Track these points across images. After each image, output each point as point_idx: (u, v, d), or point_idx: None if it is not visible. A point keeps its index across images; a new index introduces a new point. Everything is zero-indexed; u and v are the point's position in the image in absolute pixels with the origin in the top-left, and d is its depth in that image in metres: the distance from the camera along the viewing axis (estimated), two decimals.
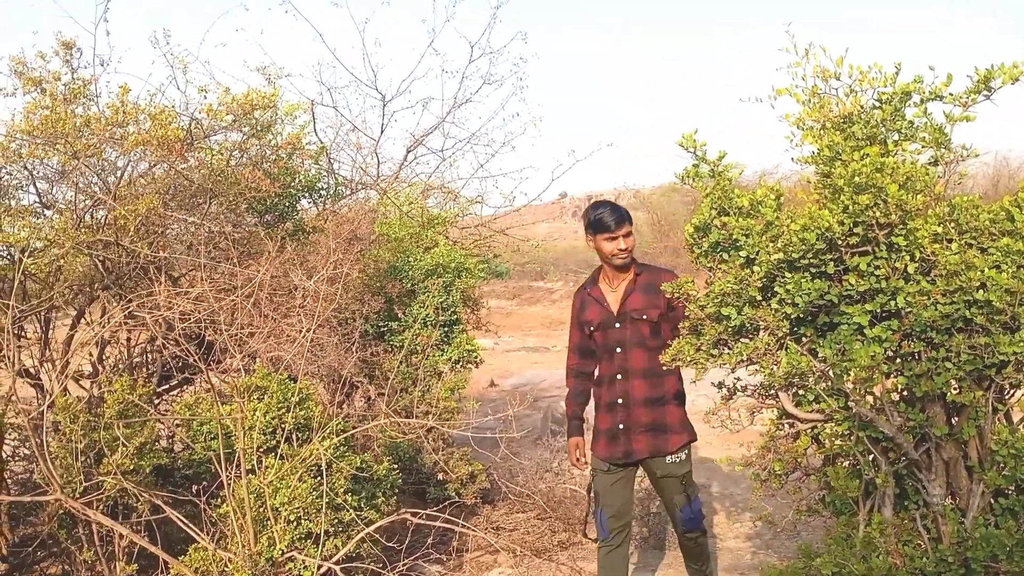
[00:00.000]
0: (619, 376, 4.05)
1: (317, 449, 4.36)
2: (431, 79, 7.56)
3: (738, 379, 3.66)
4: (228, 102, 6.44)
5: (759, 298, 3.18)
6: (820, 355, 3.13)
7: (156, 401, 5.50)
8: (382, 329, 6.74)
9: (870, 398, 3.03)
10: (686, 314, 3.48)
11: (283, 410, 4.55)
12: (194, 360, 4.43)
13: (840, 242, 2.98)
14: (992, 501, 3.08)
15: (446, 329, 6.78)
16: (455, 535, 5.87)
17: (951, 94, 3.12)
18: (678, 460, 4.08)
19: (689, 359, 3.45)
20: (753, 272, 3.17)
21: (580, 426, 4.32)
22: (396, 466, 4.99)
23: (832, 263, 3.05)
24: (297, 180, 7.44)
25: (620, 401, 4.05)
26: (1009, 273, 2.80)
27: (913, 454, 3.09)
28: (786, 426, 3.50)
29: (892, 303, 2.99)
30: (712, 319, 3.42)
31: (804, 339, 3.20)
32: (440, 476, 6.23)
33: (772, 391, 3.63)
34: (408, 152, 7.65)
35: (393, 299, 6.82)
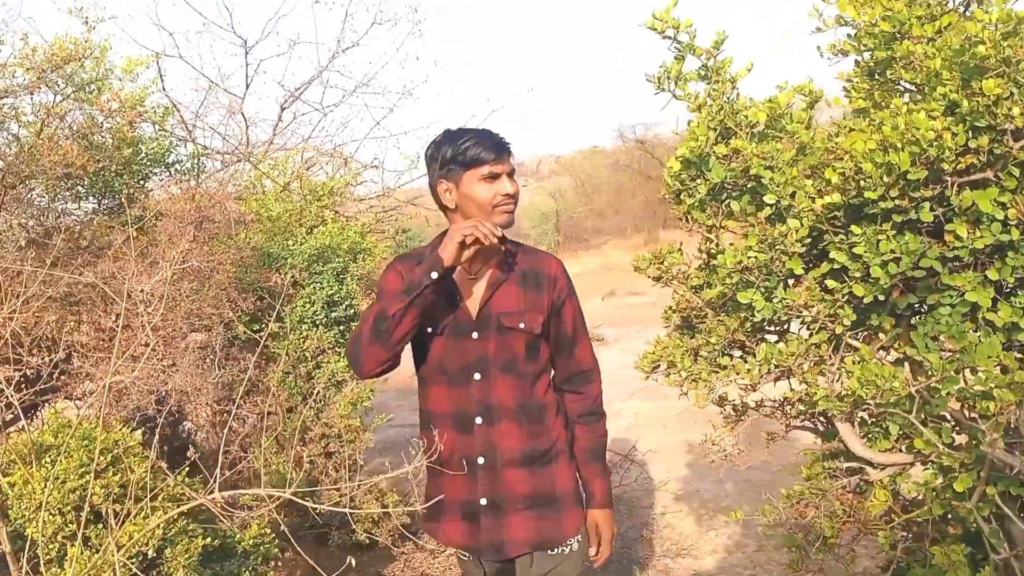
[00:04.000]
0: (479, 419, 2.36)
1: (137, 530, 2.96)
2: (303, 14, 6.07)
3: (746, 388, 2.38)
4: (28, 54, 4.90)
5: (799, 272, 1.89)
6: (908, 359, 1.87)
7: None
8: (259, 334, 5.30)
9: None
10: (680, 304, 2.18)
11: (88, 477, 3.12)
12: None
13: (948, 167, 1.70)
14: None
15: (341, 328, 5.37)
16: None
17: None
18: (570, 550, 2.43)
19: (684, 373, 2.16)
20: (789, 229, 1.88)
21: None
22: (270, 529, 3.61)
23: (928, 205, 1.78)
24: (143, 153, 5.90)
25: (481, 460, 2.37)
26: None
27: None
28: (840, 471, 2.24)
29: None
30: (717, 308, 2.13)
31: (879, 334, 1.93)
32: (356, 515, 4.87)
33: (815, 415, 2.37)
34: (283, 109, 6.15)
35: (272, 294, 5.38)
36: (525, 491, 2.38)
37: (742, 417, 2.45)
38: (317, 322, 5.28)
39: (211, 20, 5.94)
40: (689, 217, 2.13)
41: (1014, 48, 1.56)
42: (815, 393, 1.93)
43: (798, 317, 1.95)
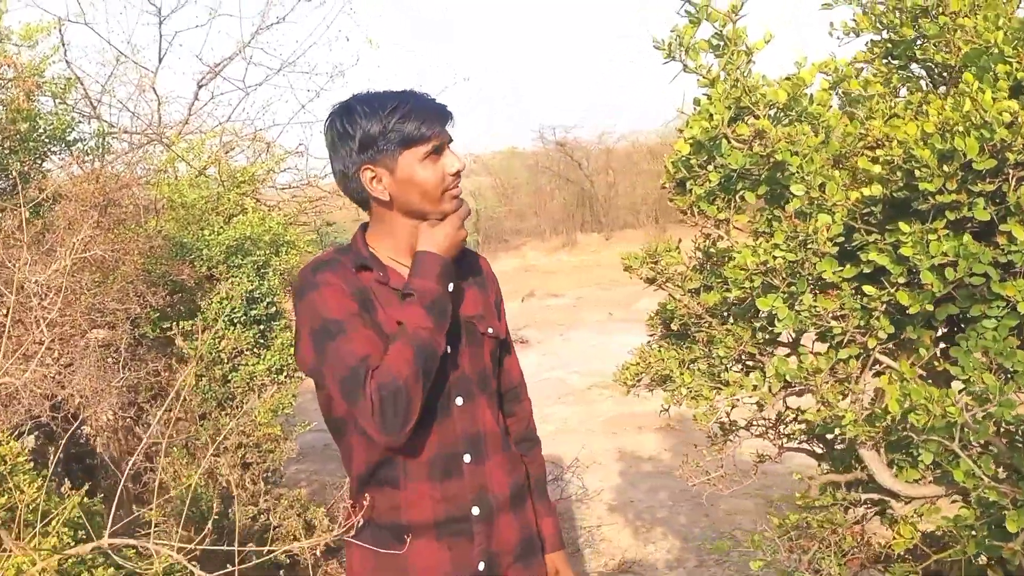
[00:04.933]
0: (467, 457, 1.84)
1: (28, 562, 2.53)
2: None
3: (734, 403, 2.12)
4: None
5: (829, 275, 1.63)
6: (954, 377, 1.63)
7: None
8: (169, 332, 4.81)
9: None
10: (678, 310, 1.90)
11: None
12: None
13: (1013, 157, 1.47)
14: None
15: (261, 327, 4.93)
16: None
17: None
18: None
19: (684, 390, 1.88)
20: (820, 225, 1.62)
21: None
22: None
23: (984, 201, 1.54)
24: (41, 129, 5.33)
25: (476, 511, 1.83)
26: None
27: None
28: (846, 501, 1.99)
29: None
30: (721, 315, 1.86)
31: (919, 350, 1.68)
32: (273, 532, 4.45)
33: (813, 438, 2.13)
34: (200, 87, 5.66)
35: (185, 289, 4.90)
36: (516, 539, 1.90)
37: (730, 437, 2.19)
38: (235, 320, 4.84)
39: None
40: (692, 211, 1.85)
41: None
42: (840, 416, 1.68)
43: (825, 328, 1.69)
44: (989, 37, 1.56)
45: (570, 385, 10.11)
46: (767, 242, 1.63)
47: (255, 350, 4.94)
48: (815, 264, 1.62)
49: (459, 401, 1.83)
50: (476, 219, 29.64)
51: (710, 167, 1.79)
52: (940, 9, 1.78)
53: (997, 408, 1.53)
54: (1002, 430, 1.70)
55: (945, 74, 1.87)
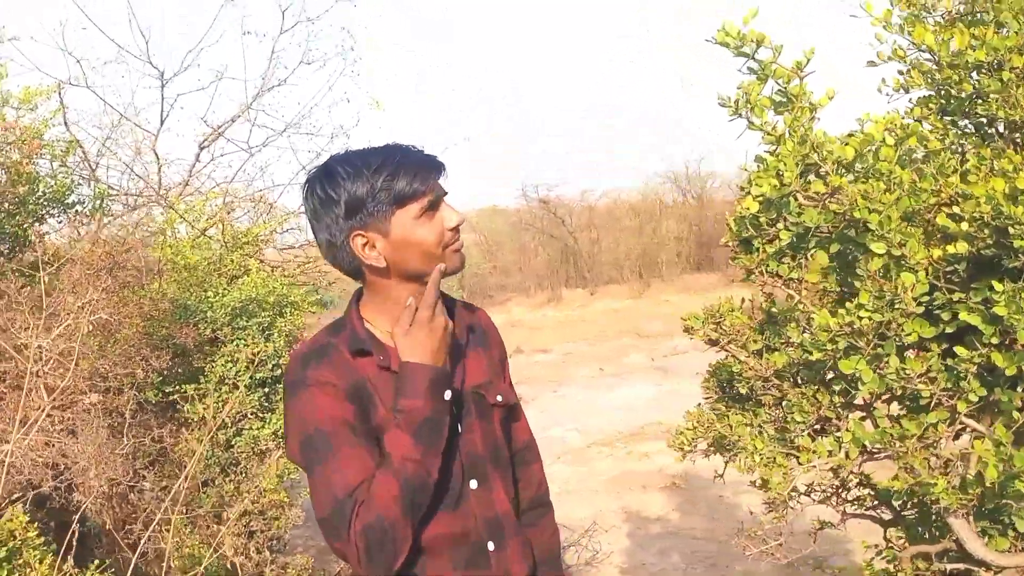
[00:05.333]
0: (491, 544, 1.67)
1: None
2: (228, 46, 5.61)
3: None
4: None
5: (928, 335, 1.57)
6: None
7: None
8: (172, 396, 4.68)
9: None
10: (737, 371, 1.83)
11: None
12: None
13: None
14: None
15: (266, 390, 4.81)
16: None
17: None
18: None
19: (757, 457, 1.80)
20: (906, 285, 1.56)
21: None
22: None
23: None
24: (39, 192, 5.26)
25: None
26: None
27: None
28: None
29: None
30: (799, 379, 1.79)
31: (1011, 413, 1.62)
32: None
33: (879, 504, 2.05)
34: (201, 149, 5.61)
35: (187, 352, 4.78)
36: None
37: (790, 504, 2.10)
38: (239, 383, 4.71)
39: (124, 48, 5.39)
40: (761, 271, 1.79)
41: None
42: (931, 483, 1.60)
43: (911, 391, 1.62)
44: None
45: (568, 444, 9.96)
46: (850, 303, 1.57)
47: (259, 414, 4.81)
48: (901, 325, 1.55)
49: (473, 484, 1.65)
50: (460, 276, 29.66)
51: (779, 225, 1.73)
52: (1001, 65, 1.76)
53: None
54: None
55: (1008, 130, 1.84)
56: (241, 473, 4.69)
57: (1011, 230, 1.45)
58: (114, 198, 5.53)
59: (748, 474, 1.88)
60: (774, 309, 1.93)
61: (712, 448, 2.06)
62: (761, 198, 1.73)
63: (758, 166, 1.82)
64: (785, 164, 1.69)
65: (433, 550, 1.60)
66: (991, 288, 1.53)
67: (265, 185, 6.07)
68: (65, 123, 5.50)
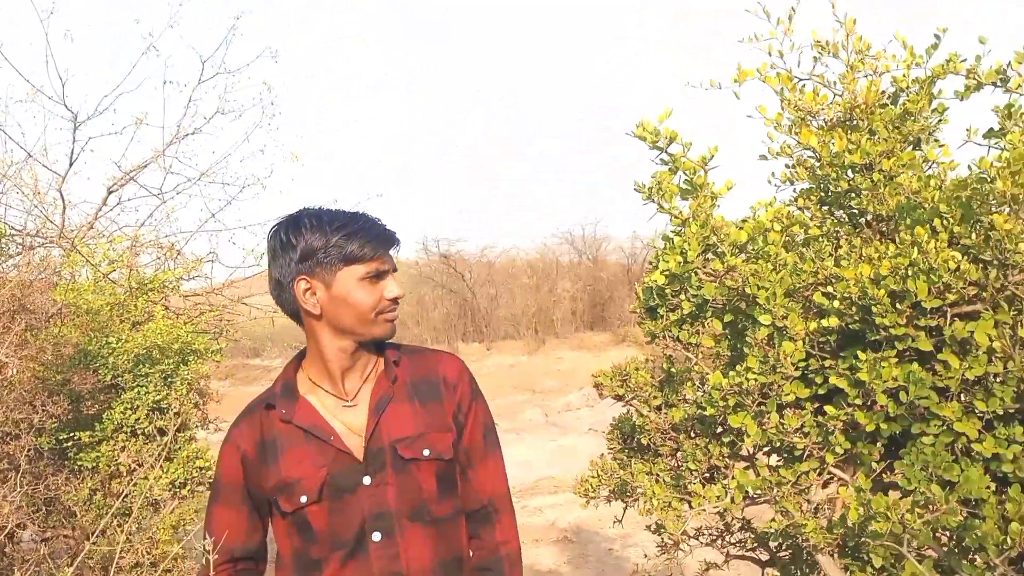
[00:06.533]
0: None
1: None
2: (149, 95, 5.62)
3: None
4: None
5: (804, 396, 1.83)
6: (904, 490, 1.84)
7: None
8: (64, 444, 4.57)
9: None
10: (639, 423, 2.05)
11: None
12: None
13: (952, 297, 1.73)
14: None
15: (166, 439, 4.75)
16: None
17: None
18: None
19: (655, 501, 2.01)
20: (785, 352, 1.82)
21: None
22: None
23: (925, 334, 1.79)
24: None
25: None
26: None
27: None
28: None
29: (1010, 398, 1.79)
30: (693, 432, 2.02)
31: (869, 463, 1.89)
32: None
33: (758, 546, 2.29)
34: (110, 193, 5.56)
35: (83, 398, 4.68)
36: None
37: (681, 547, 2.31)
38: (138, 431, 4.64)
39: (39, 88, 5.33)
40: (666, 336, 2.03)
41: (1022, 187, 1.63)
42: (801, 524, 1.84)
43: (787, 444, 1.87)
44: (926, 196, 1.85)
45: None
46: (740, 366, 1.81)
47: (158, 463, 4.73)
48: (782, 386, 1.81)
49: (376, 537, 1.69)
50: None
51: (682, 296, 1.98)
52: (872, 168, 2.08)
53: (944, 516, 1.73)
54: (936, 535, 1.90)
55: (875, 222, 2.16)
56: (134, 523, 4.58)
57: (874, 309, 1.73)
58: (12, 237, 5.40)
59: (647, 517, 2.08)
60: (673, 369, 2.16)
61: (614, 494, 2.25)
62: (667, 272, 1.97)
63: (665, 245, 2.07)
64: (689, 244, 1.94)
65: None
66: (856, 357, 1.80)
67: (172, 231, 6.04)
68: None
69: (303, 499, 1.68)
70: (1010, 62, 2.01)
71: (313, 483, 1.69)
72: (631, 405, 2.13)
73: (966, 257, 1.71)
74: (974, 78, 2.10)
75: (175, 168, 5.64)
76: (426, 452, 1.73)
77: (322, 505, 1.69)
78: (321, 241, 1.68)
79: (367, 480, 1.70)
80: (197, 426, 5.31)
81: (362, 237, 1.69)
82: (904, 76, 2.23)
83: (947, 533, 1.96)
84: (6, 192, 5.57)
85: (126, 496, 4.72)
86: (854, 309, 1.79)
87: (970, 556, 1.91)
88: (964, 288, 1.70)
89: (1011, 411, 1.84)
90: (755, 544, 2.34)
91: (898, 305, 1.69)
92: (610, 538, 7.62)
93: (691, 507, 2.03)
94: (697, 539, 2.38)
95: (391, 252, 1.75)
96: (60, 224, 5.42)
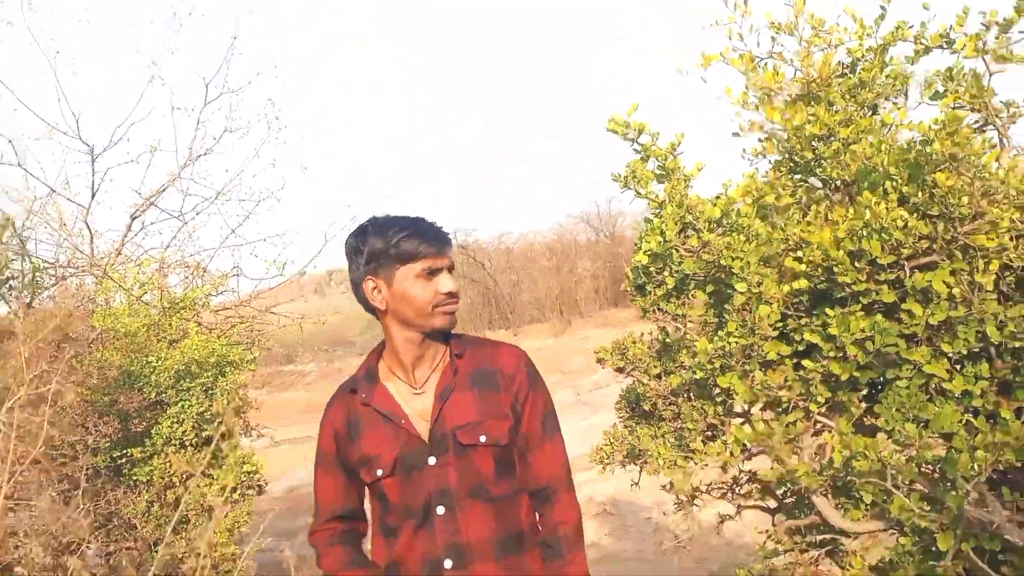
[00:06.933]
0: (448, 562, 1.93)
1: None
2: (159, 121, 5.86)
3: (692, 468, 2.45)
4: None
5: (784, 353, 2.01)
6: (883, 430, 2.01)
7: None
8: (118, 461, 4.84)
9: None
10: (642, 392, 2.23)
11: None
12: None
13: (906, 252, 1.90)
14: None
15: (212, 447, 5.01)
16: None
17: (976, 34, 2.19)
18: None
19: (661, 461, 2.20)
20: (762, 315, 2.00)
21: None
22: None
23: (888, 287, 1.96)
24: None
25: None
26: None
27: None
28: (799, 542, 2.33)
29: (973, 338, 1.96)
30: (684, 395, 2.20)
31: (850, 410, 2.07)
32: None
33: (766, 494, 2.47)
34: (133, 219, 5.82)
35: (130, 417, 4.96)
36: None
37: (694, 502, 2.51)
38: (186, 442, 4.91)
39: (54, 126, 5.58)
40: (656, 310, 2.22)
41: (960, 145, 1.79)
42: (793, 470, 2.03)
43: (773, 398, 2.05)
44: (878, 160, 2.01)
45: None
46: (722, 331, 1.99)
47: (206, 471, 5.00)
48: (762, 346, 1.99)
49: (440, 511, 1.90)
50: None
51: (665, 273, 2.16)
52: (832, 137, 2.24)
53: (919, 451, 1.91)
54: (922, 470, 2.07)
55: (840, 185, 2.32)
56: (191, 530, 4.85)
57: (835, 269, 1.90)
58: (47, 271, 5.67)
59: (656, 476, 2.27)
60: (668, 340, 2.35)
61: (626, 459, 2.45)
62: (650, 252, 2.15)
63: (646, 226, 2.25)
64: (667, 224, 2.12)
65: (402, 559, 1.94)
66: (826, 314, 1.98)
67: (195, 250, 6.29)
68: None
69: (379, 472, 1.92)
70: (951, 26, 2.16)
71: (387, 460, 1.92)
72: (632, 376, 2.32)
73: (916, 214, 1.88)
74: (921, 43, 2.25)
75: (192, 189, 5.88)
76: (483, 438, 1.91)
77: (395, 479, 1.92)
78: (382, 244, 1.91)
79: (432, 460, 1.91)
80: (241, 434, 5.57)
81: (416, 238, 1.89)
82: (859, 47, 2.39)
83: (930, 468, 2.13)
84: (34, 227, 5.83)
85: (179, 505, 4.99)
86: (820, 271, 1.96)
87: (953, 487, 2.09)
88: (916, 243, 1.87)
89: (976, 350, 2.01)
90: (761, 494, 2.53)
91: (856, 264, 1.86)
92: (647, 507, 7.82)
93: (695, 464, 2.22)
94: (708, 493, 2.56)
95: (446, 251, 1.93)
96: (90, 253, 5.68)
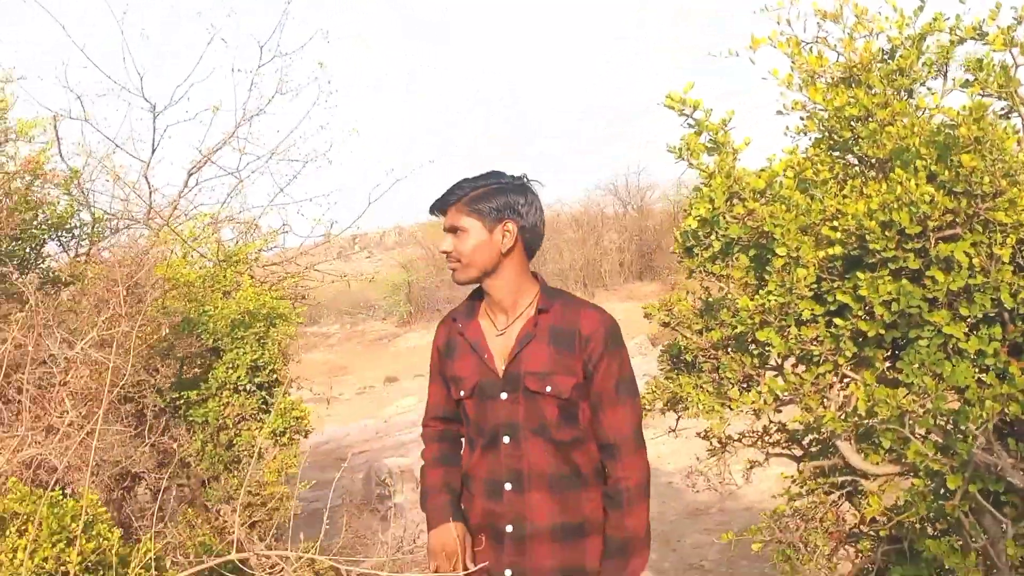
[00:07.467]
0: (508, 485, 2.19)
1: None
2: (218, 82, 6.12)
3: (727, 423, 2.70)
4: None
5: (818, 311, 2.25)
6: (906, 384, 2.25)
7: None
8: (177, 402, 5.17)
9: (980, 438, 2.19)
10: (684, 345, 2.48)
11: (61, 546, 3.00)
12: None
13: (932, 224, 2.12)
14: None
15: (264, 393, 5.33)
16: None
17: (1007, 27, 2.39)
18: None
19: (700, 406, 2.45)
20: (798, 277, 2.24)
21: (451, 506, 2.28)
22: None
23: (914, 255, 2.19)
24: (41, 217, 5.69)
25: (510, 529, 2.18)
26: None
27: None
28: (822, 485, 2.58)
29: (988, 304, 2.18)
30: (724, 348, 2.45)
31: (875, 364, 2.31)
32: None
33: (792, 442, 2.72)
34: (190, 175, 6.10)
35: (184, 362, 5.27)
36: (553, 565, 2.15)
37: (726, 449, 2.76)
38: (240, 388, 5.22)
39: (120, 83, 5.86)
40: (702, 270, 2.46)
41: (984, 130, 2.01)
42: (821, 416, 2.27)
43: (805, 352, 2.29)
44: (910, 141, 2.23)
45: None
46: (762, 290, 2.23)
47: (257, 416, 5.32)
48: (798, 305, 2.23)
49: (506, 440, 2.18)
50: (408, 290, 30.03)
51: (712, 237, 2.40)
52: (870, 118, 2.46)
53: (934, 402, 2.15)
54: (937, 421, 2.31)
55: (874, 162, 2.54)
56: (242, 469, 5.18)
57: (867, 237, 2.13)
58: (107, 221, 5.97)
59: (696, 421, 2.53)
60: (710, 299, 2.59)
61: (666, 406, 2.70)
62: (699, 218, 2.39)
63: (695, 194, 2.48)
64: (715, 193, 2.35)
65: (471, 476, 2.29)
66: (857, 277, 2.21)
67: (246, 207, 6.58)
68: (60, 154, 5.94)
69: (462, 393, 2.26)
70: (984, 19, 2.36)
71: (469, 384, 2.24)
72: (676, 330, 2.57)
73: (942, 191, 2.10)
74: (956, 34, 2.45)
75: (248, 148, 6.16)
76: (548, 389, 2.14)
77: (473, 401, 2.24)
78: None
79: (504, 395, 2.19)
80: (290, 383, 5.88)
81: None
82: (899, 35, 2.59)
83: (944, 420, 2.37)
84: (94, 180, 6.13)
85: (232, 446, 5.33)
86: (853, 239, 2.19)
87: (964, 437, 2.32)
88: (942, 216, 2.09)
89: (991, 315, 2.23)
90: (788, 443, 2.77)
91: (887, 233, 2.09)
92: (669, 472, 8.10)
93: (731, 410, 2.47)
94: (740, 441, 2.81)
95: (443, 213, 2.21)
96: (148, 206, 5.97)
